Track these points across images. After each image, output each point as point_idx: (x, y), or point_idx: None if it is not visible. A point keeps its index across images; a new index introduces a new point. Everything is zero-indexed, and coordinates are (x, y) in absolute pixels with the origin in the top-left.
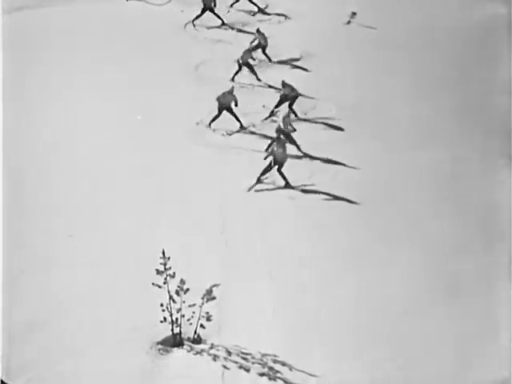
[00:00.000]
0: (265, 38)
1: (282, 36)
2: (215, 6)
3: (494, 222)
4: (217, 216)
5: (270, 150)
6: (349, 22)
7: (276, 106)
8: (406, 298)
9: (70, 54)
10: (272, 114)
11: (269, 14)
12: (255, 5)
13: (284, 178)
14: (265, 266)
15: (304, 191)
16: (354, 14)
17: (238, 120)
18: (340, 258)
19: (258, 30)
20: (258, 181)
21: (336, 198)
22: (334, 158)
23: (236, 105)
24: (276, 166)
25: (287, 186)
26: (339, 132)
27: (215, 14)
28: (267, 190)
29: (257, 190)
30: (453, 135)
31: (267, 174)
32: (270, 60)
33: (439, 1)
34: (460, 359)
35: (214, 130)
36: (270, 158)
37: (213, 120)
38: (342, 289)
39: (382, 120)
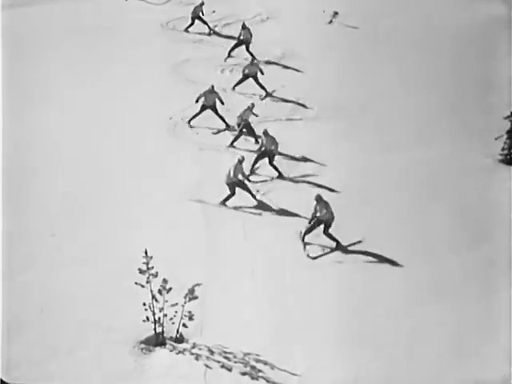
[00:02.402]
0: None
1: (264, 35)
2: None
3: (481, 220)
4: (199, 215)
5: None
6: (331, 22)
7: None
8: (392, 297)
9: (67, 53)
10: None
11: None
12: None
13: (333, 238)
14: (247, 266)
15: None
16: (335, 13)
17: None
18: (323, 256)
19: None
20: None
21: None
22: (318, 158)
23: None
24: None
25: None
26: (321, 132)
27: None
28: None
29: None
30: (438, 135)
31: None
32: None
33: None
34: (460, 359)
35: (191, 128)
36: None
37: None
38: (324, 288)
39: (365, 120)
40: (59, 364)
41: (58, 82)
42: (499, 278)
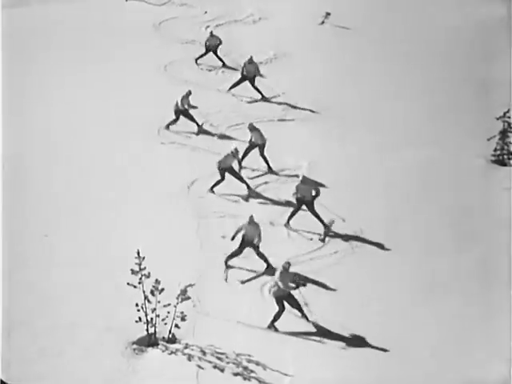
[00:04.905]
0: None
1: (256, 36)
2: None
3: (474, 221)
4: (191, 216)
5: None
6: (323, 23)
7: None
8: (386, 297)
9: (66, 53)
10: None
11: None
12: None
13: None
14: (240, 266)
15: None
16: (328, 14)
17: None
18: (315, 256)
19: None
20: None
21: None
22: (310, 158)
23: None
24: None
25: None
26: (313, 132)
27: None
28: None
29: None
30: (430, 135)
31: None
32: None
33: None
34: (458, 359)
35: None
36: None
37: (215, 185)
38: (316, 288)
39: (357, 120)
40: (50, 364)
41: (57, 82)
42: (495, 278)
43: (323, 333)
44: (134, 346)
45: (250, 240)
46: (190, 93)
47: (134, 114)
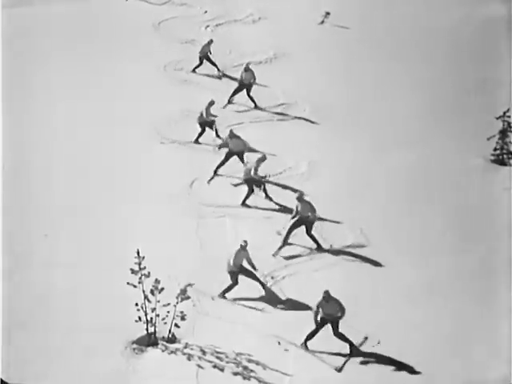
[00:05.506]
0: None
1: (255, 36)
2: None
3: (473, 221)
4: (191, 215)
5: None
6: (322, 22)
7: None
8: (385, 297)
9: (66, 53)
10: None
11: None
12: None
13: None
14: None
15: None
16: (327, 13)
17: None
18: (315, 256)
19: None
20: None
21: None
22: (309, 158)
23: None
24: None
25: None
26: (312, 132)
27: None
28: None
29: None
30: (429, 135)
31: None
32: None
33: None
34: (458, 359)
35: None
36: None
37: (246, 198)
38: (316, 288)
39: (356, 120)
40: (50, 364)
41: (57, 82)
42: (495, 278)
43: (361, 355)
44: (134, 346)
45: (238, 265)
46: (212, 102)
47: (134, 114)
